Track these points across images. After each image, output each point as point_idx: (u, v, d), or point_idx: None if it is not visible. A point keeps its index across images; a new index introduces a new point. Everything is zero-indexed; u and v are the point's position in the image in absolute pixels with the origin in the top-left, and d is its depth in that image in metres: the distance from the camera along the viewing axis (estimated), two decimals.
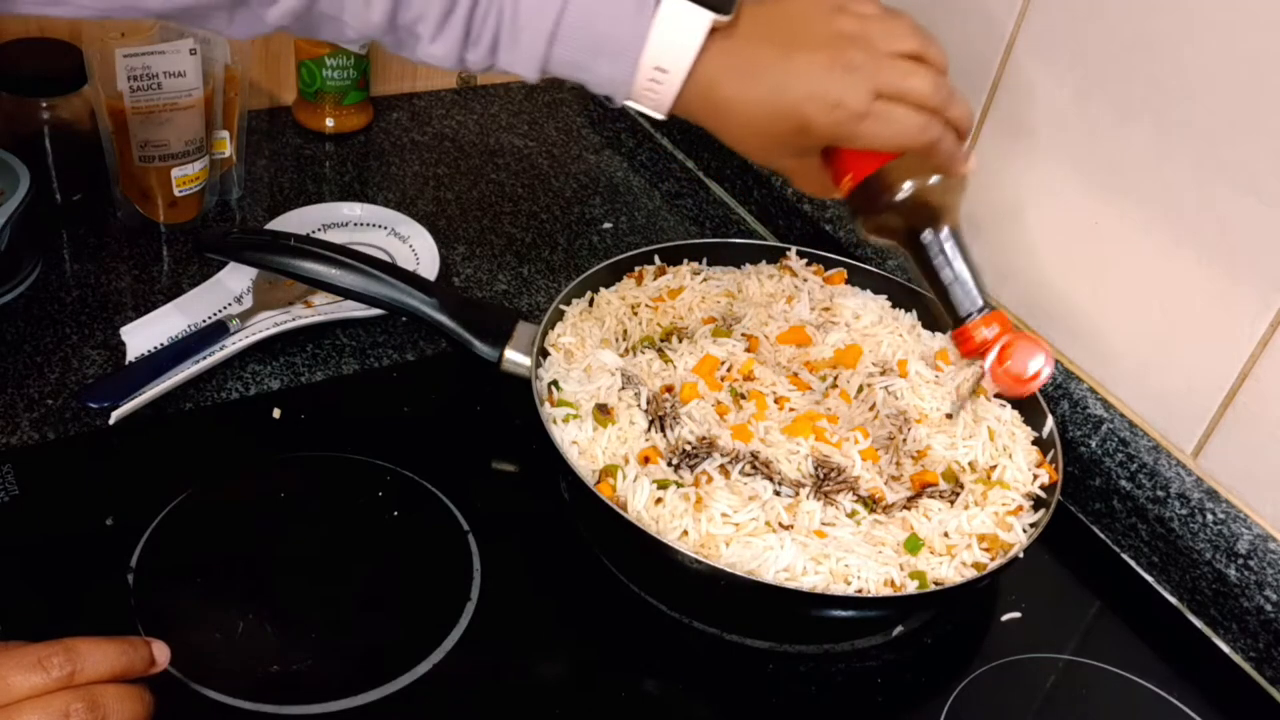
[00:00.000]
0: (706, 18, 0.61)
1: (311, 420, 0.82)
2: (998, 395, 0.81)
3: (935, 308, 0.74)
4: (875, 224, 0.70)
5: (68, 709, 0.53)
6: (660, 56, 0.62)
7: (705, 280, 0.89)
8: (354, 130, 1.14)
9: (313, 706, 0.64)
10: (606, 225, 1.08)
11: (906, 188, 0.67)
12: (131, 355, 0.83)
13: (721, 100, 0.64)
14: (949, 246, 0.69)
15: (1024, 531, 0.73)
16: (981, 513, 0.73)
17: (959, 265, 0.70)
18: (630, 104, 0.65)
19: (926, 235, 0.69)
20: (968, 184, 0.69)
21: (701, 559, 0.66)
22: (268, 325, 0.86)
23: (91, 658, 0.55)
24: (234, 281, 0.90)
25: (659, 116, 0.66)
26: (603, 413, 0.75)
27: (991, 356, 0.70)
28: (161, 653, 0.58)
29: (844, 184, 0.69)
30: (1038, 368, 0.69)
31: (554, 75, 0.64)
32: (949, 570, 0.70)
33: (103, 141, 0.93)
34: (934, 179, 0.67)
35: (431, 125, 1.19)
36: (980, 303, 0.70)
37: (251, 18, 0.61)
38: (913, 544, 0.70)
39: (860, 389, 0.81)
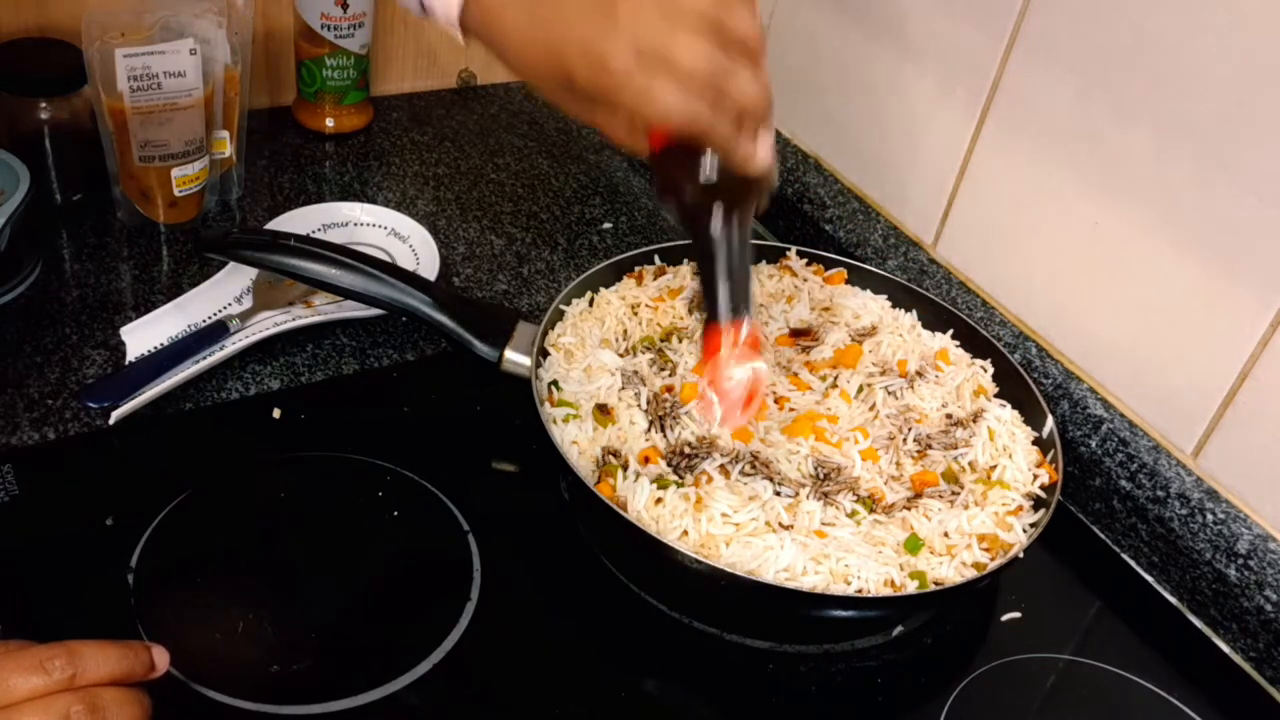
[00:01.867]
0: None
1: (311, 420, 0.82)
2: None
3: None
4: (671, 196, 0.65)
5: (68, 711, 0.53)
6: None
7: None
8: (354, 130, 1.14)
9: (313, 706, 0.63)
10: (606, 225, 1.08)
11: (702, 170, 0.62)
12: (131, 355, 0.83)
13: (501, 30, 0.60)
14: (732, 245, 0.65)
15: (1024, 531, 0.73)
16: (981, 513, 0.73)
17: (734, 265, 0.65)
18: (430, 19, 0.62)
19: (714, 228, 0.64)
20: (768, 183, 0.64)
21: (701, 559, 0.66)
22: (268, 325, 0.86)
23: (93, 661, 0.55)
24: (234, 281, 0.90)
25: (457, 35, 0.62)
26: (603, 413, 0.75)
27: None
28: (161, 658, 0.58)
29: (649, 147, 0.63)
30: (734, 391, 0.68)
31: None
32: (949, 570, 0.70)
33: (103, 141, 0.93)
34: (709, 168, 0.62)
35: (431, 125, 1.19)
36: (730, 318, 0.67)
37: None
38: (913, 544, 0.70)
39: (860, 389, 0.81)
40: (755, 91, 0.59)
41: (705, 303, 0.67)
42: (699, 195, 0.64)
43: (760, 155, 0.61)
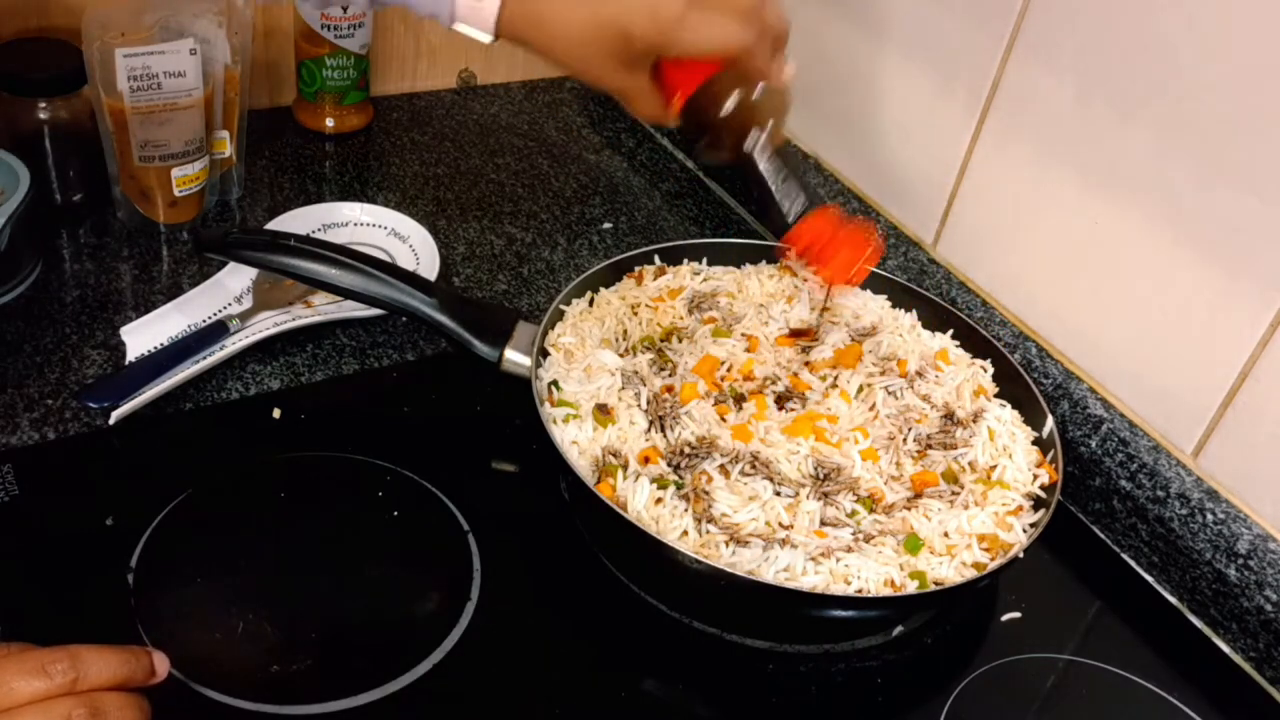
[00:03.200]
0: None
1: (311, 420, 0.82)
2: (833, 285, 0.82)
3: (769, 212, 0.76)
4: (708, 142, 0.72)
5: (69, 714, 0.53)
6: None
7: (705, 280, 0.89)
8: (354, 130, 1.14)
9: (313, 706, 0.64)
10: (606, 225, 1.08)
11: (730, 102, 0.70)
12: (131, 355, 0.83)
13: (544, 17, 0.66)
14: (772, 157, 0.73)
15: (1024, 531, 0.73)
16: (981, 513, 0.73)
17: (785, 173, 0.73)
18: (459, 26, 0.68)
19: (748, 144, 0.72)
20: (790, 98, 0.73)
21: (701, 559, 0.66)
22: (268, 325, 0.86)
23: (94, 665, 0.55)
24: (234, 281, 0.90)
25: (486, 39, 0.68)
26: (603, 413, 0.75)
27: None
28: (162, 664, 0.58)
29: (674, 104, 0.71)
30: (859, 253, 0.75)
31: (381, 3, 0.68)
32: (949, 570, 0.70)
33: (103, 141, 0.93)
34: (756, 92, 0.71)
35: (431, 125, 1.19)
36: (805, 203, 0.73)
37: None
38: (913, 544, 0.70)
39: (860, 389, 0.81)
40: (780, 18, 0.71)
41: (779, 208, 0.74)
42: (742, 118, 0.72)
43: (789, 70, 0.73)
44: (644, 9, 0.66)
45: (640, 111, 0.73)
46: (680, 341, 0.83)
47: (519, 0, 0.66)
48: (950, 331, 0.88)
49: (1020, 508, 0.75)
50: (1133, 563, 0.83)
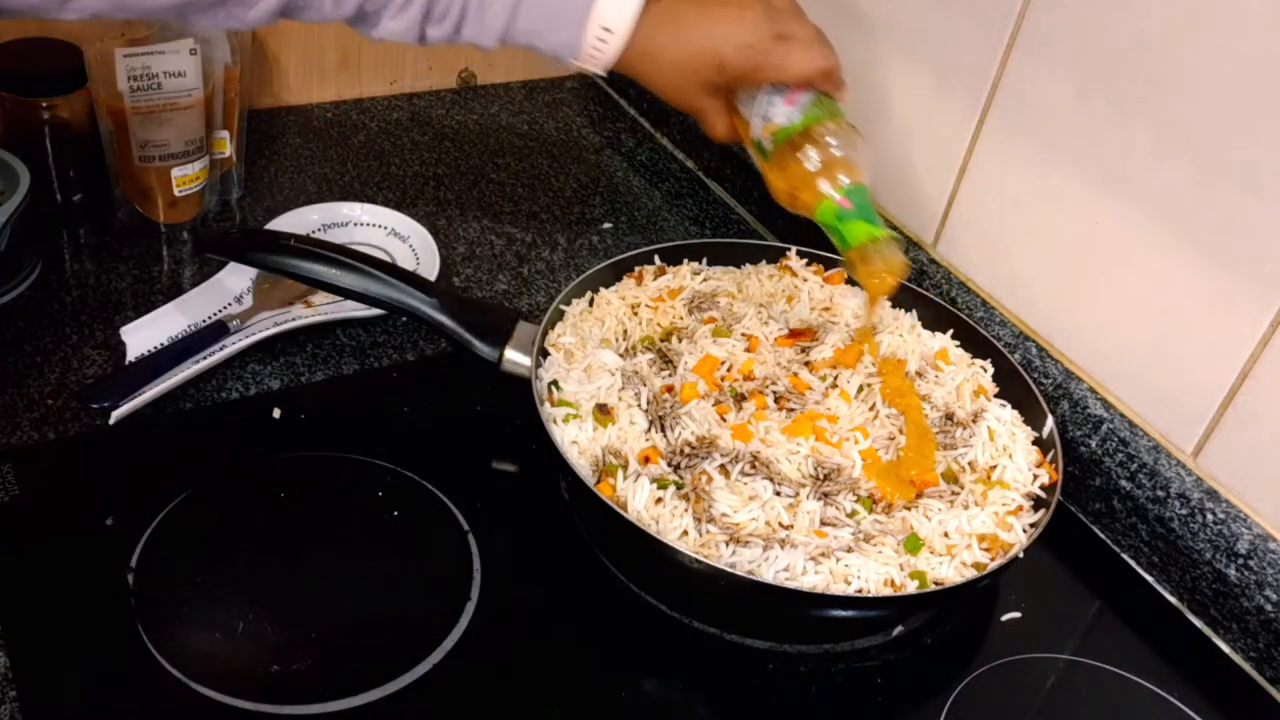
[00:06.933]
0: None
1: (311, 420, 0.82)
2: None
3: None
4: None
5: None
6: (607, 19, 0.73)
7: (705, 280, 0.89)
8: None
9: (313, 706, 0.64)
10: (606, 225, 1.08)
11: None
12: (131, 355, 0.83)
13: (654, 49, 0.76)
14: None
15: (1024, 531, 0.73)
16: (981, 513, 0.73)
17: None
18: (575, 63, 0.76)
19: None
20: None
21: (701, 559, 0.66)
22: (268, 325, 0.86)
23: None
24: (234, 281, 0.90)
25: (600, 73, 0.77)
26: (603, 413, 0.75)
27: None
28: None
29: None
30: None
31: (510, 44, 0.75)
32: (949, 570, 0.70)
33: (103, 141, 0.93)
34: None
35: (431, 125, 1.19)
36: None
37: (230, 17, 0.69)
38: (913, 544, 0.70)
39: (860, 389, 0.80)
40: (836, 55, 0.81)
41: None
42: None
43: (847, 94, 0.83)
44: (737, 43, 0.76)
45: (713, 130, 0.82)
46: (680, 341, 0.83)
47: (635, 40, 0.74)
48: (950, 331, 0.88)
49: (1020, 508, 0.75)
50: (1133, 563, 0.83)
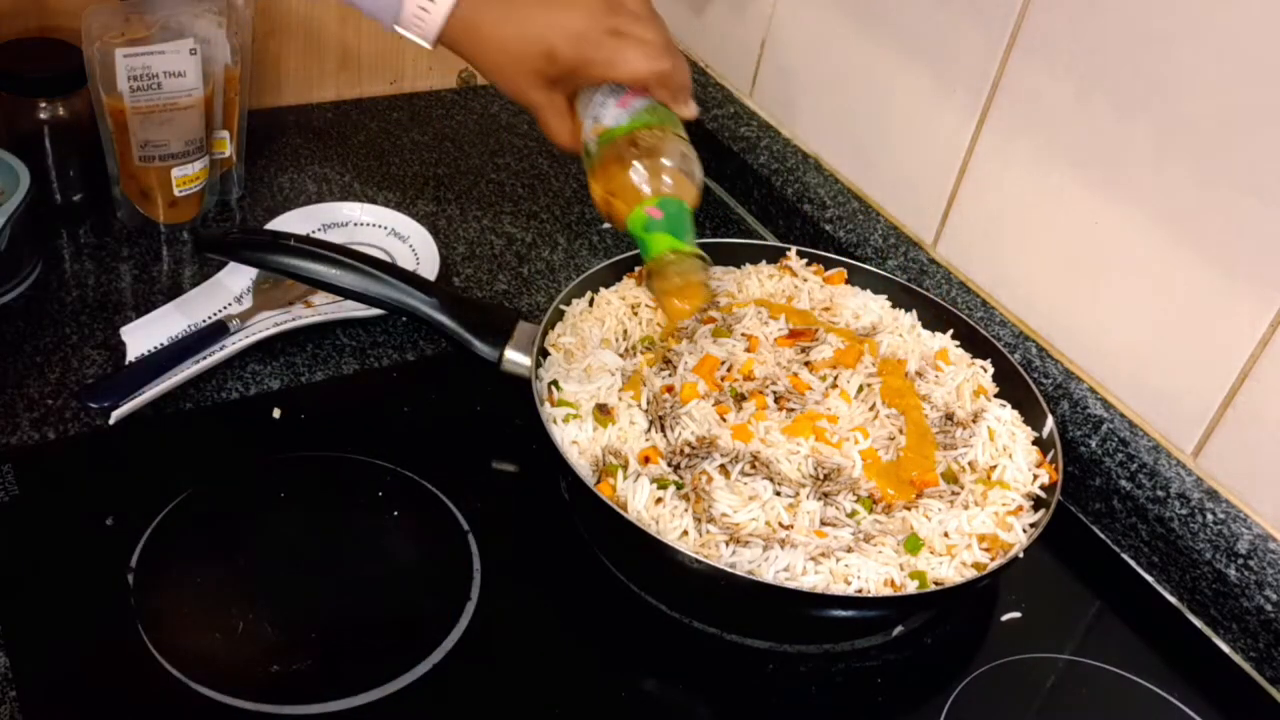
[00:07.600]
0: None
1: (311, 420, 0.82)
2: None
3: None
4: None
5: None
6: None
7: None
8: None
9: (313, 706, 0.64)
10: (606, 225, 1.08)
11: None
12: (131, 355, 0.83)
13: (480, 25, 0.74)
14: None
15: (1024, 531, 0.73)
16: (981, 513, 0.73)
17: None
18: (399, 30, 0.74)
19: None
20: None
21: (701, 559, 0.66)
22: (268, 325, 0.86)
23: None
24: (234, 281, 0.90)
25: (426, 45, 0.75)
26: (603, 413, 0.75)
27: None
28: None
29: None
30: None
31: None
32: (949, 570, 0.70)
33: (103, 141, 0.93)
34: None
35: (431, 125, 1.19)
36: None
37: None
38: (913, 544, 0.70)
39: (860, 389, 0.80)
40: (684, 63, 0.78)
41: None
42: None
43: (693, 110, 0.80)
44: (567, 30, 0.73)
45: (551, 130, 0.79)
46: (680, 341, 0.83)
47: (460, 17, 0.72)
48: (950, 331, 0.88)
49: (1020, 508, 0.75)
50: (1133, 563, 0.83)
